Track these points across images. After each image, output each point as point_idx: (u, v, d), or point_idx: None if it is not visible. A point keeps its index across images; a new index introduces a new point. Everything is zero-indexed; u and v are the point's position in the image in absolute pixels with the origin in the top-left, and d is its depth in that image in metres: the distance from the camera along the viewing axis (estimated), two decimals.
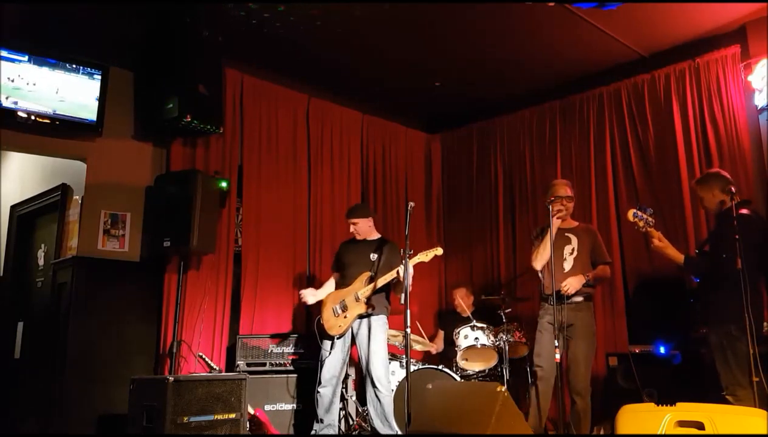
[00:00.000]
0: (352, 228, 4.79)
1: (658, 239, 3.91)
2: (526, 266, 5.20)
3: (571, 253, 4.46)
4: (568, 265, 4.44)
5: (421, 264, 4.61)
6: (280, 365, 4.91)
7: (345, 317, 4.53)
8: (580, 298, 4.32)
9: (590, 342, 4.35)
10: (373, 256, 4.69)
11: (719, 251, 3.76)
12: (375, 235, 4.83)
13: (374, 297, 4.54)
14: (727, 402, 3.69)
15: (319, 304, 4.71)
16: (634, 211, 3.97)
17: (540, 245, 4.46)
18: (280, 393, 4.81)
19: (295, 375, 4.87)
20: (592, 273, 4.40)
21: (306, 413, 4.71)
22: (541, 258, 4.43)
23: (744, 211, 3.83)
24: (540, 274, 4.54)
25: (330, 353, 4.50)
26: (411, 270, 4.29)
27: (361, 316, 4.56)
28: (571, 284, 4.25)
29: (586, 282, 4.31)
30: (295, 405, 4.83)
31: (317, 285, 5.14)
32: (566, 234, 4.52)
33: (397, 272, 4.40)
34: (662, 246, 3.91)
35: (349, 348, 4.63)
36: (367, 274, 4.61)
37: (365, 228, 4.79)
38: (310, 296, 4.72)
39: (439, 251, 4.60)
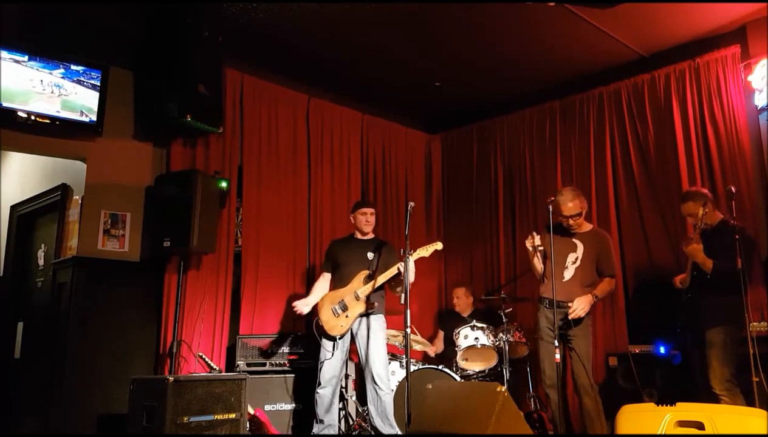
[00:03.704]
0: (368, 220, 4.73)
1: (697, 242, 3.93)
2: (526, 266, 5.20)
3: (574, 262, 4.36)
4: (568, 274, 4.37)
5: (422, 264, 4.64)
6: (280, 365, 4.91)
7: (347, 316, 4.50)
8: None
9: (589, 339, 4.37)
10: (371, 255, 4.67)
11: (731, 256, 3.79)
12: (371, 234, 4.82)
13: (373, 295, 4.52)
14: (717, 398, 3.72)
15: (315, 306, 4.65)
16: (705, 211, 3.95)
17: (533, 261, 4.46)
18: (280, 393, 4.80)
19: (295, 375, 4.87)
20: (599, 289, 4.31)
21: (306, 413, 4.71)
22: (537, 275, 4.50)
23: (734, 223, 3.97)
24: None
25: (332, 354, 4.45)
26: (412, 267, 4.31)
27: (361, 315, 4.54)
28: (578, 310, 4.17)
29: (595, 300, 4.27)
30: (294, 405, 4.83)
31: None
32: (573, 240, 4.41)
33: (398, 268, 4.37)
34: (698, 249, 3.93)
35: (348, 348, 4.62)
36: (365, 272, 4.57)
37: (374, 223, 4.80)
38: (304, 306, 4.60)
39: (439, 245, 4.58)
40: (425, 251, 4.52)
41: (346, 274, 4.62)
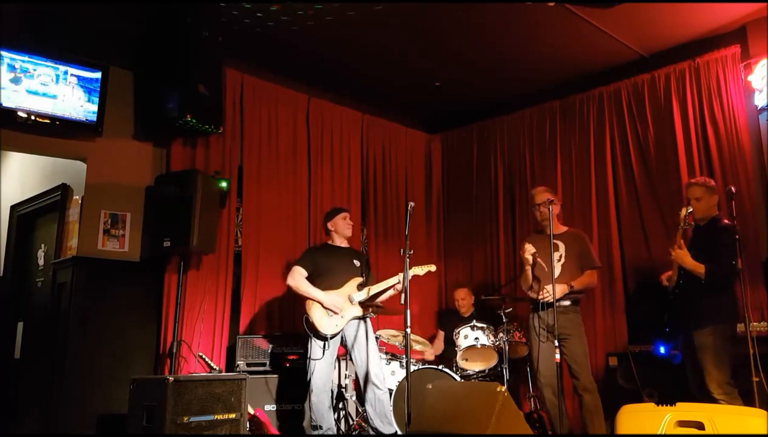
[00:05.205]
0: (349, 223, 4.82)
1: (681, 247, 3.94)
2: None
3: (559, 260, 4.46)
4: (556, 272, 4.42)
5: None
6: (281, 365, 4.91)
7: (342, 317, 4.51)
8: (567, 302, 4.38)
9: (584, 339, 4.43)
10: (356, 263, 4.72)
11: (727, 256, 3.78)
12: (347, 243, 4.86)
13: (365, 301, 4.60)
14: (715, 401, 3.71)
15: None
16: (689, 210, 3.99)
17: (523, 274, 4.55)
18: (280, 393, 4.80)
19: (295, 375, 4.85)
20: (578, 280, 4.41)
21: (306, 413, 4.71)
22: (525, 285, 4.54)
23: (726, 221, 3.96)
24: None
25: (323, 355, 4.42)
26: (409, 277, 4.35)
27: (357, 319, 4.57)
28: (549, 295, 4.26)
29: (570, 290, 4.35)
30: (294, 406, 4.82)
31: None
32: (554, 241, 4.48)
33: (398, 279, 4.46)
34: (683, 254, 3.93)
35: (336, 350, 4.61)
36: (357, 279, 4.63)
37: None
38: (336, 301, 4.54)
39: (433, 267, 4.67)
40: (420, 270, 4.59)
41: (334, 279, 4.58)
